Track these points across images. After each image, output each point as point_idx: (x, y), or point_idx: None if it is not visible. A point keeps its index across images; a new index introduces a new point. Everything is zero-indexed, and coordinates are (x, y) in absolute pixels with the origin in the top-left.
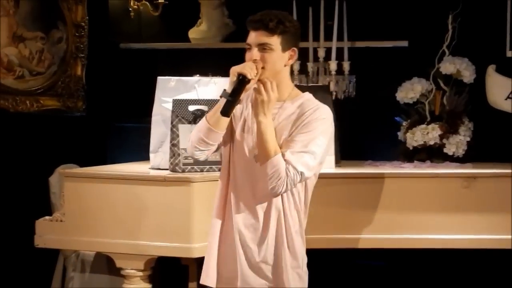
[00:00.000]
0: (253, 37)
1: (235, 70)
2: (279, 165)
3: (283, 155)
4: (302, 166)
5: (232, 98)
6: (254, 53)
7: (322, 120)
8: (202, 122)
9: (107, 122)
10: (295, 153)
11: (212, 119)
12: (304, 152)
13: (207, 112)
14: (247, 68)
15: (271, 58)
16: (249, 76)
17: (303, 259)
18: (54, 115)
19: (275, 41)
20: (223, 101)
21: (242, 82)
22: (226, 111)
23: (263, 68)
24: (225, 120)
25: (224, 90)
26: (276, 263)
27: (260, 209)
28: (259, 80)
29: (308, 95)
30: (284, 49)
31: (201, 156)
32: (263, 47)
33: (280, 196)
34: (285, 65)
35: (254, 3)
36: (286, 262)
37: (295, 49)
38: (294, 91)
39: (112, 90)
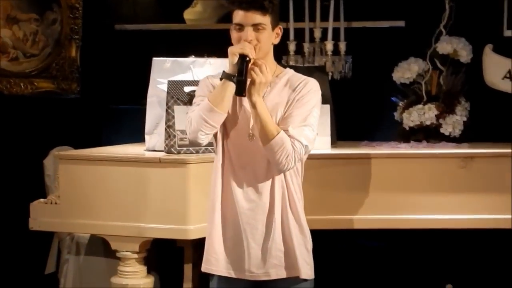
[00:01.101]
0: (245, 17)
1: (235, 50)
2: (284, 142)
3: (286, 132)
4: (305, 139)
5: (242, 77)
6: (249, 33)
7: (314, 92)
8: (205, 105)
9: (102, 104)
10: (296, 128)
11: (216, 101)
12: (304, 126)
13: None
14: (248, 49)
15: (264, 37)
16: (251, 56)
17: (309, 234)
18: (49, 97)
19: (267, 20)
20: (226, 83)
21: (244, 62)
22: (241, 91)
23: (257, 47)
24: (228, 102)
25: (224, 71)
26: (286, 241)
27: (264, 189)
28: (253, 62)
29: (290, 70)
30: (272, 28)
31: (205, 141)
32: (257, 27)
33: (282, 174)
34: (272, 44)
35: None
36: (295, 239)
37: (281, 27)
38: (277, 68)
39: (107, 72)
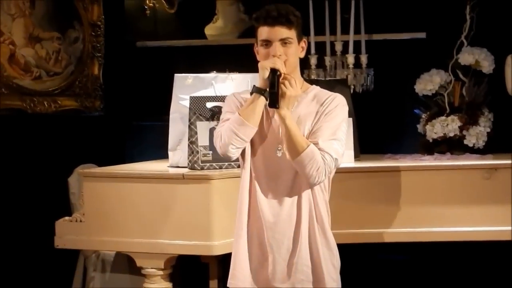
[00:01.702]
0: (272, 32)
1: (266, 65)
2: (314, 154)
3: (315, 145)
4: (335, 152)
5: (274, 90)
6: (277, 48)
7: (342, 106)
8: (236, 119)
9: (125, 121)
10: (326, 141)
11: (247, 114)
12: (333, 139)
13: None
14: (279, 63)
15: (292, 52)
16: (281, 70)
17: (336, 250)
18: (72, 115)
19: (293, 33)
20: (257, 97)
21: (276, 75)
22: (274, 103)
23: (286, 62)
24: (259, 116)
25: (254, 86)
26: (313, 256)
27: (291, 204)
28: (284, 77)
29: (317, 87)
30: (298, 41)
31: (235, 155)
32: (284, 42)
33: (309, 189)
34: (298, 57)
35: None
36: (322, 255)
37: (305, 40)
38: (304, 84)
39: (129, 88)
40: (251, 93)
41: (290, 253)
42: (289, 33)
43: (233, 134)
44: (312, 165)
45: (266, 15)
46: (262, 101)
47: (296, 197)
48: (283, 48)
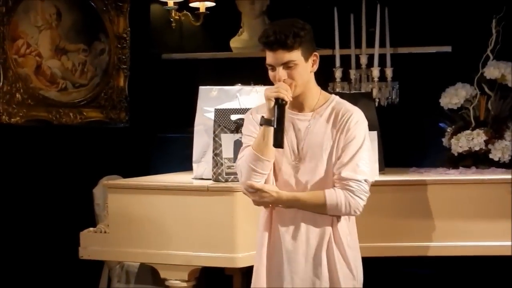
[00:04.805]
0: (274, 57)
1: (270, 95)
2: (336, 196)
3: (339, 177)
4: (361, 174)
5: (279, 127)
6: (281, 73)
7: (361, 124)
8: (251, 154)
9: (150, 132)
10: (349, 169)
11: (260, 149)
12: (356, 162)
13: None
14: (283, 91)
15: (298, 73)
16: (286, 99)
17: (358, 273)
18: (98, 127)
19: (296, 55)
20: (267, 130)
21: (282, 106)
22: (279, 143)
23: (292, 85)
24: (273, 148)
25: (262, 117)
26: (332, 280)
27: (309, 226)
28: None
29: (335, 97)
30: (306, 59)
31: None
32: (287, 65)
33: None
34: (310, 72)
35: (295, 11)
36: (342, 278)
37: (316, 53)
38: (322, 94)
39: (154, 100)
40: (261, 124)
41: (309, 275)
42: (291, 56)
43: (252, 171)
44: (342, 206)
45: (265, 40)
46: (272, 132)
47: (314, 218)
48: (287, 71)
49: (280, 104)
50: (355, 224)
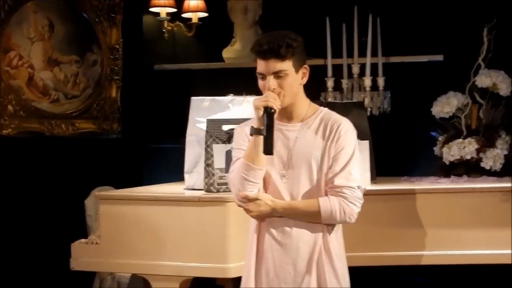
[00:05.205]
0: (265, 66)
1: (259, 104)
2: (330, 204)
3: (332, 185)
4: (353, 182)
5: (269, 134)
6: (271, 82)
7: (350, 133)
8: (243, 164)
9: (142, 143)
10: (341, 177)
11: (251, 158)
12: (349, 170)
13: None
14: (271, 100)
15: (288, 83)
16: (275, 107)
17: (346, 281)
18: (90, 138)
19: (287, 65)
20: (258, 139)
21: (270, 115)
22: (269, 150)
23: (281, 95)
24: (264, 157)
25: (252, 127)
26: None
27: (298, 232)
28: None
29: (324, 108)
30: (297, 70)
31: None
32: (278, 75)
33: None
34: (300, 84)
35: (287, 21)
36: (330, 285)
37: (307, 66)
38: (311, 106)
39: (146, 111)
40: (251, 134)
41: (298, 282)
42: (282, 66)
43: (244, 180)
44: (336, 213)
45: (258, 49)
46: (262, 140)
47: (303, 225)
48: (277, 81)
49: (269, 112)
50: (342, 235)
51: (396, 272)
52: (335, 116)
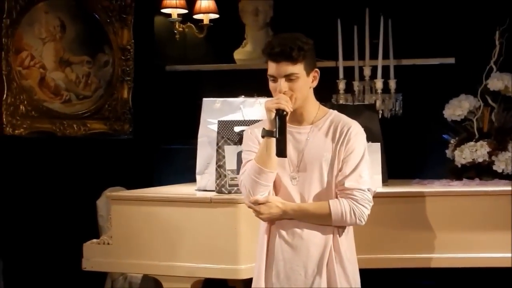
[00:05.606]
0: (277, 69)
1: (271, 107)
2: (341, 207)
3: (342, 188)
4: (363, 184)
5: (281, 136)
6: (282, 85)
7: (360, 135)
8: (254, 167)
9: (153, 144)
10: (352, 179)
11: (263, 160)
12: (359, 173)
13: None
14: (283, 102)
15: (299, 86)
16: (287, 110)
17: (357, 283)
18: (101, 138)
19: (299, 68)
20: (270, 141)
21: (283, 117)
22: (282, 152)
23: (292, 97)
24: (275, 158)
25: (264, 129)
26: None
27: (309, 234)
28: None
29: (334, 111)
30: (308, 73)
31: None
32: (289, 78)
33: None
34: (310, 87)
35: (298, 23)
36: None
37: (317, 70)
38: (320, 109)
39: (158, 112)
40: (262, 136)
41: (308, 284)
42: (294, 69)
43: (256, 183)
44: (346, 215)
45: (270, 51)
46: (274, 143)
47: (314, 227)
48: (288, 84)
49: (281, 114)
50: (353, 238)
51: (405, 274)
52: (344, 118)
